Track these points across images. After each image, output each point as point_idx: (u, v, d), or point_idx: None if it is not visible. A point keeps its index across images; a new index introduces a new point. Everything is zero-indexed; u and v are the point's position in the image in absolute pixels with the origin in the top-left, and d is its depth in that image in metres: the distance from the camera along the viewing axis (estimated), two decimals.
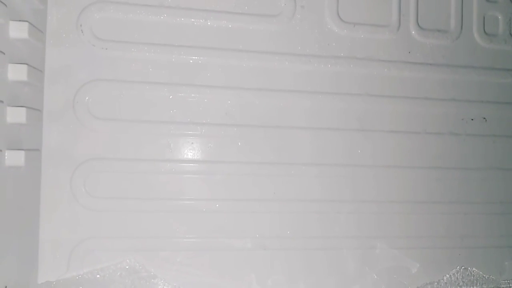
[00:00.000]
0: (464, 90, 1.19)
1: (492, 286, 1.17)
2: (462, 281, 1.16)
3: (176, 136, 1.04)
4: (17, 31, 0.84)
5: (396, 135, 1.14)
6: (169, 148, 1.03)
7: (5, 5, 0.81)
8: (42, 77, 0.96)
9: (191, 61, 1.05)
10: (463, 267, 1.16)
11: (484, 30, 1.20)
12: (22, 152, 0.85)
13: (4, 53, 0.81)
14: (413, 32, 1.16)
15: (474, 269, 1.17)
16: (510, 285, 1.18)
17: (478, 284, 1.16)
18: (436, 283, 1.14)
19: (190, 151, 1.04)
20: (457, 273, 1.16)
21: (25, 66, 0.85)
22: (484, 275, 1.17)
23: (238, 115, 1.07)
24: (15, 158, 0.83)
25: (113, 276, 0.98)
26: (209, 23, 1.06)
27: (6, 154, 0.82)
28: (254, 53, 1.08)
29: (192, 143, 1.05)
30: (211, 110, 1.05)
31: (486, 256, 1.18)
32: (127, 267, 0.99)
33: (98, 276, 0.98)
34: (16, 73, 0.84)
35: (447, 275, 1.15)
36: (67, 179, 0.98)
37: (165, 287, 1.01)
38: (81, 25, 0.99)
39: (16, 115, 0.83)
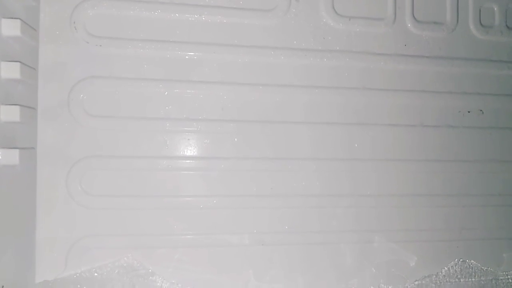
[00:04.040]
0: (461, 83, 1.19)
1: (491, 278, 1.17)
2: (461, 274, 1.16)
3: (172, 133, 1.03)
4: (10, 28, 0.84)
5: (393, 128, 1.14)
6: (166, 145, 1.03)
7: None
8: (35, 75, 0.96)
9: (186, 57, 1.04)
10: (461, 260, 1.16)
11: (480, 21, 1.20)
12: (17, 151, 0.84)
13: None
14: (409, 25, 1.16)
15: (472, 261, 1.17)
16: (508, 276, 1.19)
17: (476, 276, 1.17)
18: (434, 276, 1.14)
19: (187, 148, 1.04)
20: (455, 266, 1.16)
21: (18, 64, 0.84)
22: (483, 267, 1.17)
23: (234, 110, 1.06)
24: (9, 157, 0.83)
25: (111, 274, 0.98)
26: (203, 19, 1.05)
27: (0, 153, 0.81)
28: (249, 48, 1.07)
29: (189, 139, 1.04)
30: (207, 106, 1.05)
31: (485, 248, 1.18)
32: (125, 264, 0.99)
33: (96, 274, 0.98)
34: (9, 71, 0.83)
35: (445, 267, 1.16)
36: (63, 178, 0.98)
37: (163, 284, 1.01)
38: (74, 22, 0.99)
39: (10, 114, 0.83)
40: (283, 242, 1.08)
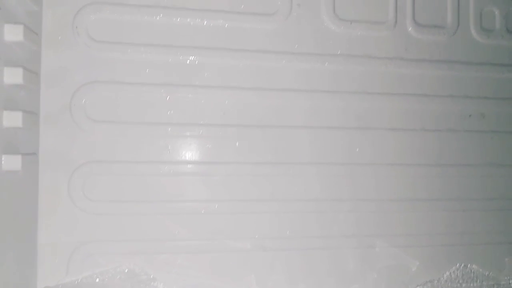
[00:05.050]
0: (462, 86, 1.19)
1: (492, 283, 1.17)
2: (462, 279, 1.16)
3: (174, 137, 1.03)
4: (12, 34, 0.83)
5: (394, 132, 1.14)
6: (167, 150, 1.03)
7: None
8: (38, 80, 0.96)
9: (187, 61, 1.04)
10: (463, 265, 1.16)
11: (481, 25, 1.20)
12: (19, 156, 0.84)
13: None
14: (409, 29, 1.16)
15: (474, 266, 1.17)
16: (510, 281, 1.18)
17: (478, 281, 1.16)
18: (436, 281, 1.14)
19: (188, 152, 1.04)
20: (457, 271, 1.16)
21: (21, 69, 0.84)
22: (484, 272, 1.17)
23: (236, 115, 1.06)
24: (12, 162, 0.83)
25: (112, 280, 0.98)
26: (205, 23, 1.05)
27: (2, 158, 0.81)
28: (251, 52, 1.07)
29: (190, 144, 1.04)
30: (208, 110, 1.05)
31: (486, 252, 1.18)
32: (126, 270, 0.99)
33: (97, 280, 0.98)
34: (12, 76, 0.83)
35: (447, 272, 1.15)
36: (64, 183, 0.98)
37: None
38: (76, 27, 0.99)
39: (12, 119, 0.83)
40: (284, 247, 1.07)
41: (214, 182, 1.05)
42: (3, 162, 0.81)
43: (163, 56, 1.03)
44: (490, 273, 1.18)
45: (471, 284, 1.16)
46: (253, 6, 1.07)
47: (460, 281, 1.15)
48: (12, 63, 0.84)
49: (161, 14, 1.02)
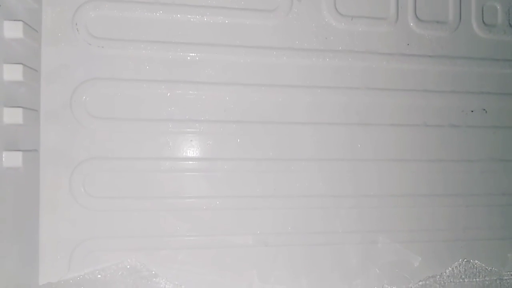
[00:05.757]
0: (464, 82, 1.18)
1: (495, 278, 1.17)
2: (465, 274, 1.15)
3: (174, 134, 1.03)
4: (12, 31, 0.83)
5: (396, 128, 1.14)
6: (168, 146, 1.03)
7: None
8: (38, 77, 0.96)
9: (188, 57, 1.04)
10: (465, 260, 1.16)
11: (483, 20, 1.20)
12: (20, 153, 0.84)
13: None
14: (411, 24, 1.15)
15: (476, 261, 1.17)
16: None
17: (480, 276, 1.16)
18: (438, 276, 1.14)
19: (189, 149, 1.04)
20: (459, 266, 1.15)
21: (21, 66, 0.84)
22: (487, 267, 1.17)
23: (237, 111, 1.06)
24: (13, 159, 0.83)
25: (114, 276, 0.98)
26: (205, 19, 1.05)
27: (3, 155, 0.81)
28: (251, 49, 1.07)
29: (191, 140, 1.04)
30: (209, 107, 1.05)
31: (489, 248, 1.18)
32: (128, 266, 0.99)
33: (99, 276, 0.98)
34: (12, 73, 0.83)
35: (449, 268, 1.15)
36: (66, 179, 0.98)
37: (166, 285, 1.01)
38: (76, 24, 0.99)
39: (12, 116, 0.83)
40: (286, 243, 1.07)
41: (216, 178, 1.05)
42: (4, 159, 0.81)
43: (163, 52, 1.03)
44: (493, 268, 1.17)
45: (474, 280, 1.16)
46: (254, 2, 1.07)
47: (463, 277, 1.15)
48: (12, 60, 0.84)
49: (161, 11, 1.02)
